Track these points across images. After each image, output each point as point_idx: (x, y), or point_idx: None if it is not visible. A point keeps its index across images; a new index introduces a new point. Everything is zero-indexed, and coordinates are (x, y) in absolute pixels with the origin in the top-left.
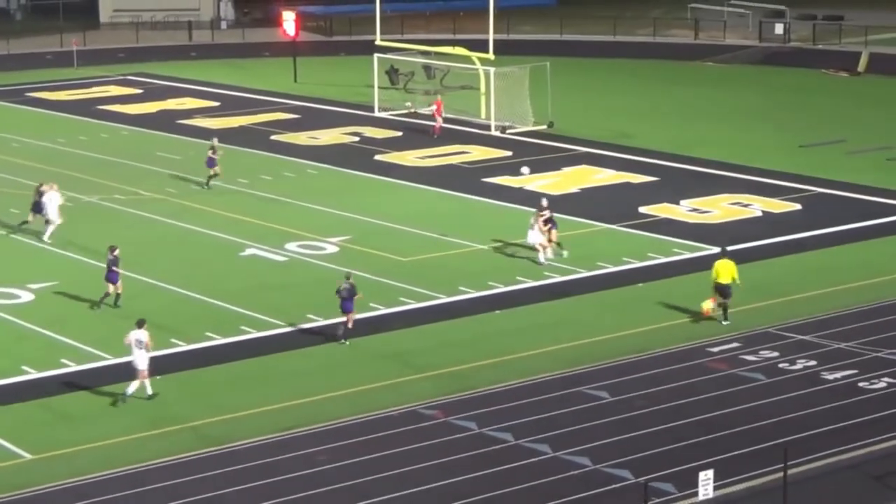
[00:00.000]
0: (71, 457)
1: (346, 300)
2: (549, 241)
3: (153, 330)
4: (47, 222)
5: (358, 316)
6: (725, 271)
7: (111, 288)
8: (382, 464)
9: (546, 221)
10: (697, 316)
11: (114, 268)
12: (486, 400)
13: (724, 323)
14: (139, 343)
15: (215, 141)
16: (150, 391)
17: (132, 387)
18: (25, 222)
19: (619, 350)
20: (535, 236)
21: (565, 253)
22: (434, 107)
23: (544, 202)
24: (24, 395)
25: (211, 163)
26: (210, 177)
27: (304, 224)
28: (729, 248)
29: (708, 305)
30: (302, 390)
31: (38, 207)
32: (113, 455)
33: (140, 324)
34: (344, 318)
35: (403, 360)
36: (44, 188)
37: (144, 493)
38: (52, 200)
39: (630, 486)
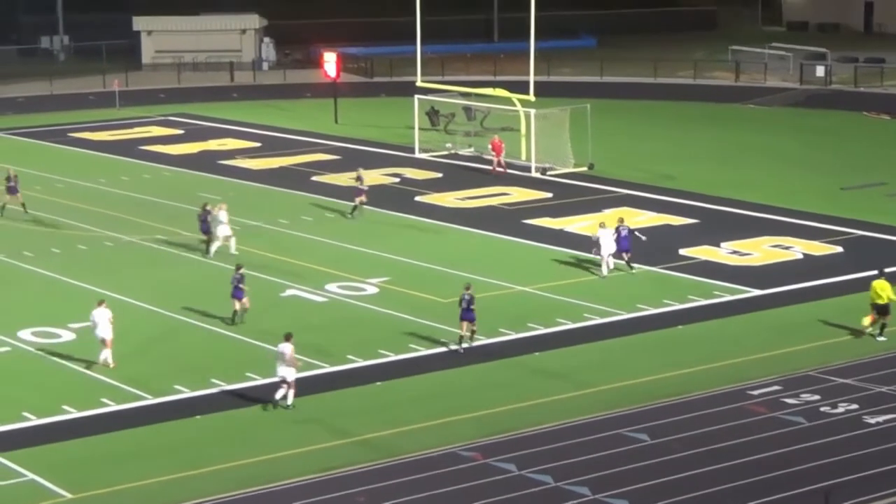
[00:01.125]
0: (110, 496)
1: (467, 310)
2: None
3: (193, 370)
4: (214, 240)
5: (396, 357)
6: (882, 291)
7: (237, 304)
8: None
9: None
10: (738, 357)
11: (240, 285)
12: (525, 442)
13: (879, 339)
14: (283, 355)
15: (360, 170)
16: (289, 401)
17: (280, 393)
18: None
19: (660, 392)
20: (608, 247)
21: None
22: (490, 147)
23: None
24: (64, 435)
25: (358, 192)
26: (355, 207)
27: (344, 265)
28: (886, 270)
29: (866, 321)
30: (341, 431)
31: (205, 227)
32: (152, 495)
33: (287, 337)
34: (465, 331)
35: (442, 401)
36: (209, 207)
37: None
38: (219, 219)
39: None
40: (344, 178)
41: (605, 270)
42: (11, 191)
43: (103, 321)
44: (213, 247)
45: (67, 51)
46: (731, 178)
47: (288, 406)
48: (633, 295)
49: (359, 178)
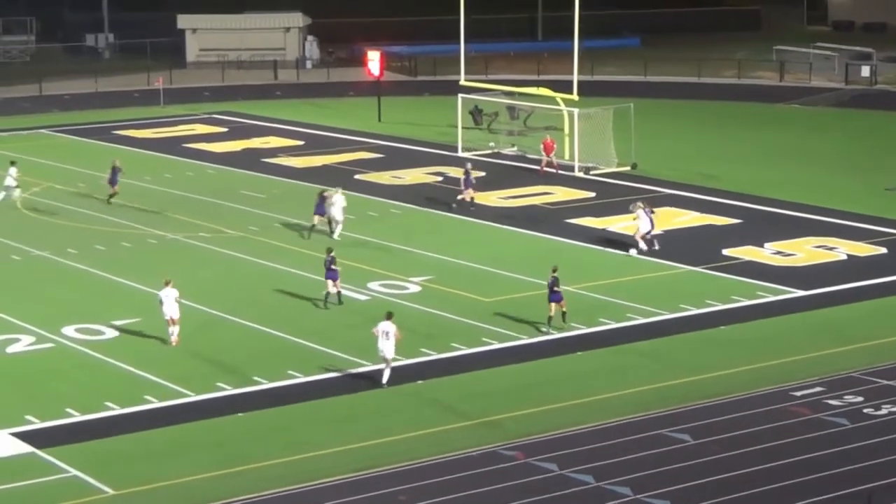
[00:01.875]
0: (152, 493)
1: (552, 292)
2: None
3: (235, 367)
4: (332, 223)
5: (439, 356)
6: None
7: (330, 286)
8: None
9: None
10: (781, 358)
11: (332, 267)
12: (566, 441)
13: None
14: (386, 334)
15: (469, 165)
16: (385, 379)
17: (386, 375)
18: (313, 226)
19: (702, 393)
20: (645, 225)
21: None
22: (542, 146)
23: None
24: (106, 431)
25: (467, 185)
26: (466, 199)
27: (386, 263)
28: None
29: None
30: (383, 429)
31: (320, 210)
32: (193, 492)
33: (388, 316)
34: (552, 312)
35: (484, 401)
36: (327, 193)
37: None
38: (338, 203)
39: None
40: (375, 176)
41: (643, 247)
42: (112, 182)
43: (170, 300)
44: (338, 229)
45: (113, 48)
46: (774, 179)
47: (383, 385)
48: (676, 295)
49: (467, 173)
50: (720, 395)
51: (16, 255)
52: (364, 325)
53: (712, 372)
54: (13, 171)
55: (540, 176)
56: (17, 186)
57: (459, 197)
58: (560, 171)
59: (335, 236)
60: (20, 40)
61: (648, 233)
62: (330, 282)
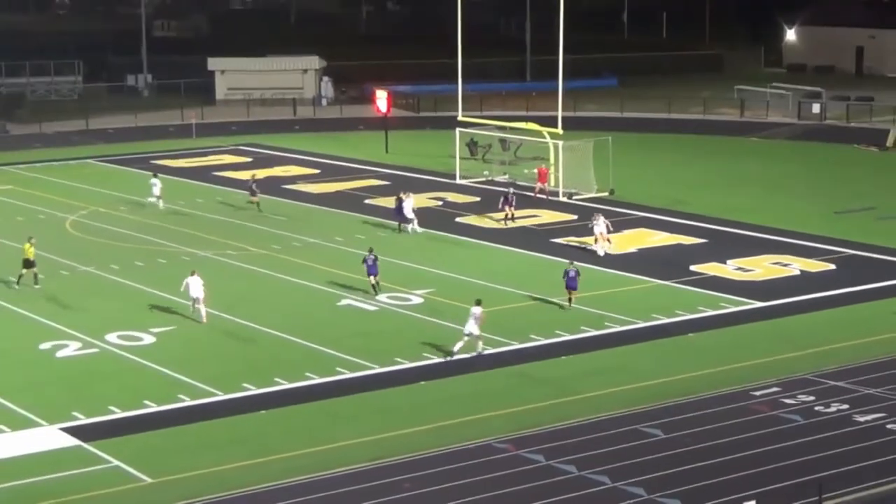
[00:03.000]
0: (186, 481)
1: (573, 278)
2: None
3: (259, 370)
4: (406, 221)
5: (440, 360)
6: None
7: (373, 279)
8: (460, 492)
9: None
10: (742, 362)
11: (375, 264)
12: (553, 435)
13: None
14: (476, 317)
15: (513, 190)
16: (480, 349)
17: (457, 347)
18: (399, 229)
19: (672, 392)
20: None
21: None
22: (537, 172)
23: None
24: (145, 426)
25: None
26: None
27: (393, 278)
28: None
29: None
30: (391, 425)
31: (399, 212)
32: (223, 480)
33: (478, 302)
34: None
35: (480, 399)
36: (402, 195)
37: None
38: (409, 205)
39: None
40: (383, 201)
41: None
42: (252, 193)
43: (197, 285)
44: (410, 226)
45: (151, 88)
46: (737, 203)
47: (452, 355)
48: (648, 306)
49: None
50: (688, 395)
51: (64, 271)
52: (373, 333)
53: (681, 374)
54: (156, 181)
55: (533, 199)
56: (159, 197)
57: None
58: (549, 198)
59: (417, 230)
60: (69, 81)
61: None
62: (372, 277)
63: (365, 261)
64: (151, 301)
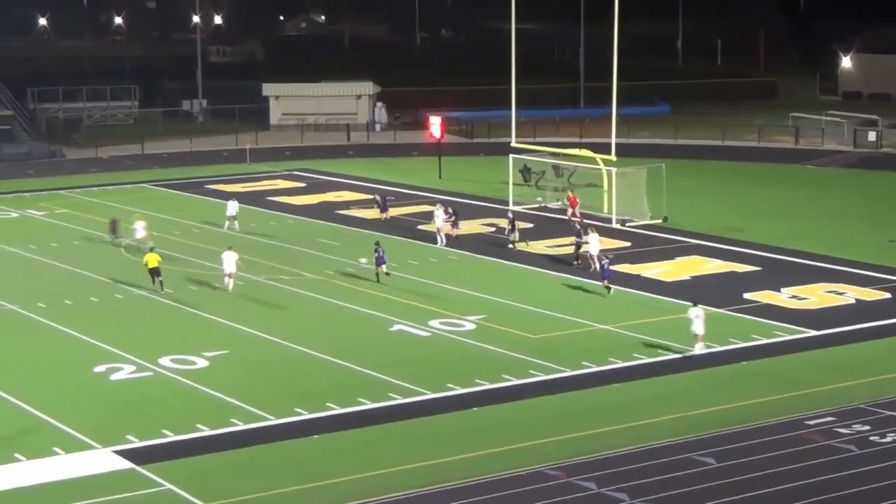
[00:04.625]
0: None
1: (604, 269)
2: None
3: (311, 395)
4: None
5: (491, 386)
6: None
7: (384, 268)
8: None
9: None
10: (796, 391)
11: (384, 255)
12: (605, 463)
13: None
14: (697, 316)
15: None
16: (699, 350)
17: (697, 349)
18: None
19: (725, 421)
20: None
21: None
22: (567, 201)
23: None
24: (197, 450)
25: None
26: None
27: (445, 303)
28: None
29: None
30: (442, 450)
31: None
32: None
33: (695, 303)
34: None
35: (531, 426)
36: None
37: None
38: (439, 216)
39: None
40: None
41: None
42: (382, 209)
43: (231, 260)
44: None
45: (205, 113)
46: (791, 231)
47: (692, 355)
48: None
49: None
50: (742, 423)
51: (119, 294)
52: (425, 359)
53: (735, 402)
54: (233, 203)
55: (568, 224)
56: (235, 218)
57: (510, 246)
58: (584, 221)
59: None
60: (125, 105)
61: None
62: (384, 266)
63: (376, 251)
64: (204, 325)
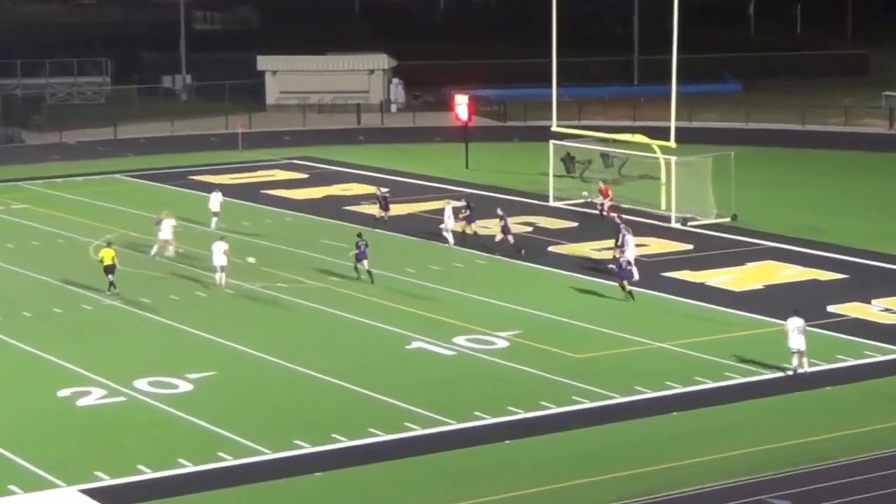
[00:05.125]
0: None
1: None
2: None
3: (314, 424)
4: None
5: (527, 415)
6: None
7: (364, 264)
8: None
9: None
10: (890, 421)
11: (366, 250)
12: None
13: None
14: (797, 328)
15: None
16: (805, 368)
17: (803, 365)
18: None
19: (805, 457)
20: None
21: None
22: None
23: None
24: (179, 489)
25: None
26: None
27: (473, 317)
28: None
29: None
30: (469, 491)
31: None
32: None
33: (796, 312)
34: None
35: (573, 463)
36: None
37: None
38: (447, 214)
39: None
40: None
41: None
42: (383, 207)
43: (219, 252)
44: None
45: (189, 90)
46: (884, 231)
47: (803, 371)
48: (777, 353)
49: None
50: (823, 460)
51: (87, 305)
52: (448, 382)
53: (815, 435)
54: (217, 195)
55: (604, 219)
56: (217, 214)
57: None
58: (605, 215)
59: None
60: (95, 82)
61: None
62: (365, 262)
63: (358, 245)
64: (188, 341)
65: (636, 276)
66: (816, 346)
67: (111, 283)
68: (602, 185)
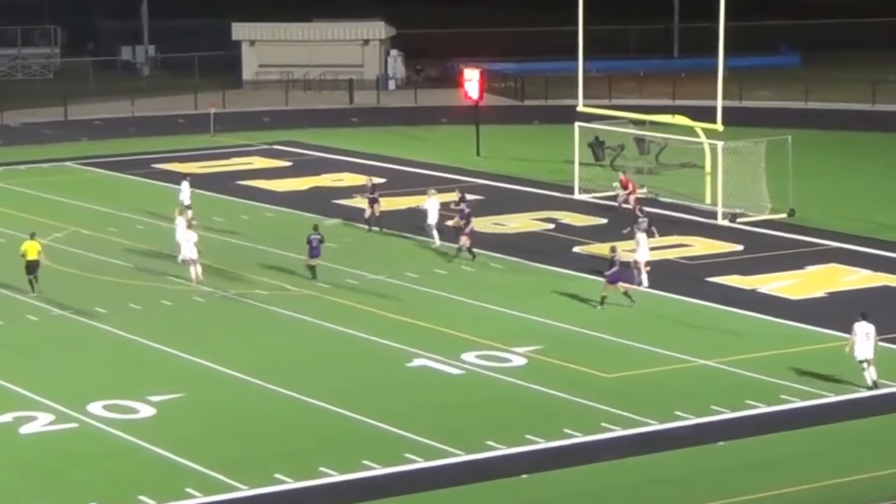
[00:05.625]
0: None
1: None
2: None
3: (298, 455)
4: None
5: (549, 444)
6: None
7: (315, 261)
8: None
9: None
10: None
11: (321, 245)
12: None
13: None
14: (867, 334)
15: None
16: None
17: (868, 377)
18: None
19: (877, 494)
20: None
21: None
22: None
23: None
24: None
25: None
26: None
27: (485, 330)
28: None
29: None
30: None
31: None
32: None
33: (864, 316)
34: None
35: (603, 500)
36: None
37: None
38: (432, 207)
39: None
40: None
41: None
42: (372, 201)
43: (189, 244)
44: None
45: (153, 64)
46: None
47: (871, 386)
48: (842, 373)
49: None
50: (893, 499)
51: (33, 315)
52: (456, 406)
53: (889, 468)
54: (185, 186)
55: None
56: (189, 206)
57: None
58: (622, 205)
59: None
60: (42, 53)
61: (646, 263)
62: (315, 259)
63: (309, 241)
64: (151, 357)
65: (645, 284)
66: (890, 364)
67: (32, 281)
68: (623, 176)
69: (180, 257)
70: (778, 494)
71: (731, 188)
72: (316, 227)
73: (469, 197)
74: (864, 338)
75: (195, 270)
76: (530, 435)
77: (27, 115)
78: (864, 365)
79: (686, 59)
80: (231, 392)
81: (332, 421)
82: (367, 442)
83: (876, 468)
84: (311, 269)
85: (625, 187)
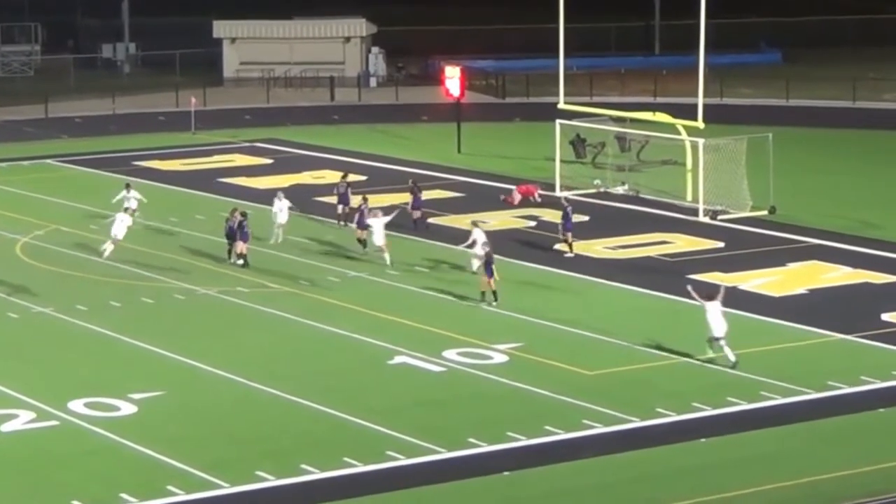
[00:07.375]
0: None
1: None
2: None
3: (280, 453)
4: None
5: (530, 441)
6: None
7: (242, 246)
8: None
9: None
10: None
11: (246, 229)
12: None
13: None
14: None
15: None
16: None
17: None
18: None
19: (854, 491)
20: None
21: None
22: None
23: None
24: None
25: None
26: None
27: (466, 327)
28: None
29: None
30: None
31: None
32: None
33: (711, 296)
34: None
35: (584, 497)
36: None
37: None
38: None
39: None
40: (453, 220)
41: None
42: (342, 200)
43: (121, 224)
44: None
45: (133, 61)
46: None
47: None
48: (822, 369)
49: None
50: (880, 494)
51: (13, 313)
52: (438, 403)
53: (867, 465)
54: (131, 195)
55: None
56: (135, 211)
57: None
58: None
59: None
60: (23, 51)
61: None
62: (241, 243)
63: (230, 224)
64: (132, 355)
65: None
66: (869, 360)
67: None
68: (523, 186)
69: (112, 233)
70: (759, 491)
71: (713, 185)
72: (244, 214)
73: (450, 195)
74: (718, 315)
75: (110, 248)
76: (512, 432)
77: (8, 112)
78: (722, 342)
79: (667, 56)
80: (213, 389)
81: (313, 418)
82: (348, 439)
83: (856, 465)
84: (230, 254)
85: (526, 193)
